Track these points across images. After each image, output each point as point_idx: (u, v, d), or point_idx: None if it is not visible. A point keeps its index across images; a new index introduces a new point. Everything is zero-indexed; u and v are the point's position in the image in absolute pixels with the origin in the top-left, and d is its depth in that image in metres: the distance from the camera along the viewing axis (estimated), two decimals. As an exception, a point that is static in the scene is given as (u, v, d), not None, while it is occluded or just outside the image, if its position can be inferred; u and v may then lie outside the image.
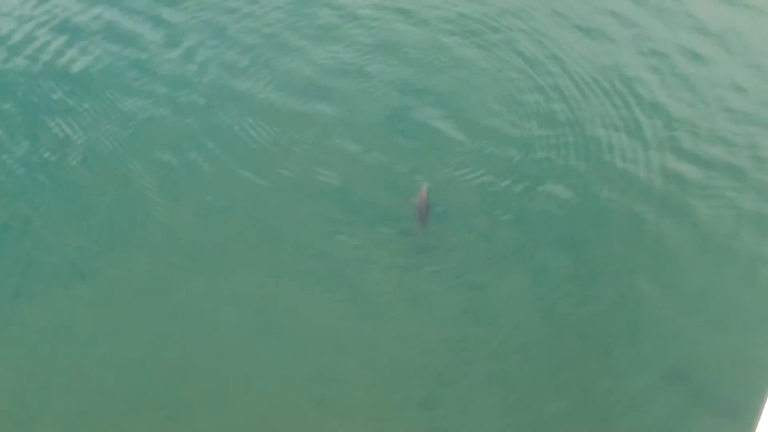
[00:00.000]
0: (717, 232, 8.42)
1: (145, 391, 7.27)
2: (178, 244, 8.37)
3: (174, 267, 8.18)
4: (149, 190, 8.78)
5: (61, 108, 9.68)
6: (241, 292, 7.97)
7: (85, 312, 7.83)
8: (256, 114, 9.58)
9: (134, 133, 9.39)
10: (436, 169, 8.99)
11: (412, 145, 9.30)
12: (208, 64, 10.24)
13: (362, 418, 7.16)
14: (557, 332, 7.70)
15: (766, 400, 2.95)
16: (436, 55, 10.37)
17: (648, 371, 7.40)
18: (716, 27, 10.71)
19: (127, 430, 7.06)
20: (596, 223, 8.59)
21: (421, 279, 8.11)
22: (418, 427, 7.15)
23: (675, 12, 10.98)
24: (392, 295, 7.98)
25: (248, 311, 7.85)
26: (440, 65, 10.25)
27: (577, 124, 9.44)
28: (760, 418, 3.45)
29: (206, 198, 8.77)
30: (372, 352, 7.57)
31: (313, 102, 9.77)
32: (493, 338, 7.70)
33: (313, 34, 10.64)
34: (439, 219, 8.61)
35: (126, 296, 7.95)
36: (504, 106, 9.69)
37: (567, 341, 7.65)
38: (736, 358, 7.41)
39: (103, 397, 7.22)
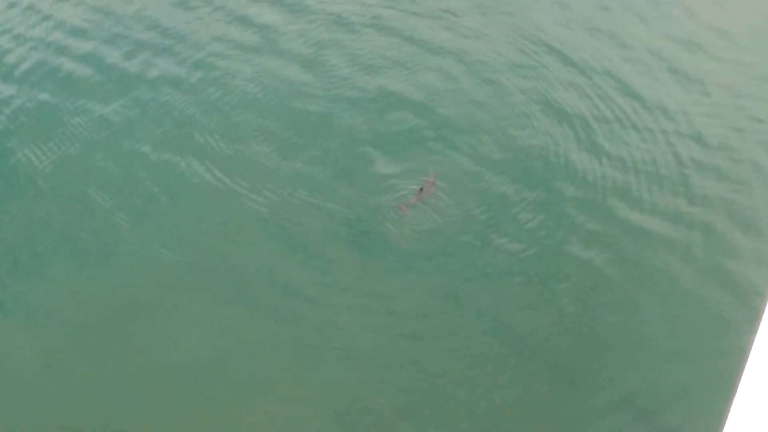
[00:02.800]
0: (678, 275, 8.66)
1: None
2: (134, 293, 8.45)
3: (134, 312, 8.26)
4: (100, 247, 8.84)
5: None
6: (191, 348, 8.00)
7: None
8: (220, 166, 9.65)
9: (87, 180, 9.52)
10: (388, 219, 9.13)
11: (370, 195, 9.38)
12: (163, 115, 10.37)
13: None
14: (521, 360, 7.96)
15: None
16: (397, 107, 10.50)
17: (601, 397, 7.67)
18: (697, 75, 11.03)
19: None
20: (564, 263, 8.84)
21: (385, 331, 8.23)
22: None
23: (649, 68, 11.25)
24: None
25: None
26: (399, 116, 10.41)
27: (543, 180, 9.62)
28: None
29: (164, 253, 8.80)
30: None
31: (271, 153, 9.85)
32: (458, 364, 7.90)
33: (271, 86, 10.81)
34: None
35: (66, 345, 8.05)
36: (473, 159, 9.85)
37: (530, 369, 7.90)
38: (688, 390, 7.67)
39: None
